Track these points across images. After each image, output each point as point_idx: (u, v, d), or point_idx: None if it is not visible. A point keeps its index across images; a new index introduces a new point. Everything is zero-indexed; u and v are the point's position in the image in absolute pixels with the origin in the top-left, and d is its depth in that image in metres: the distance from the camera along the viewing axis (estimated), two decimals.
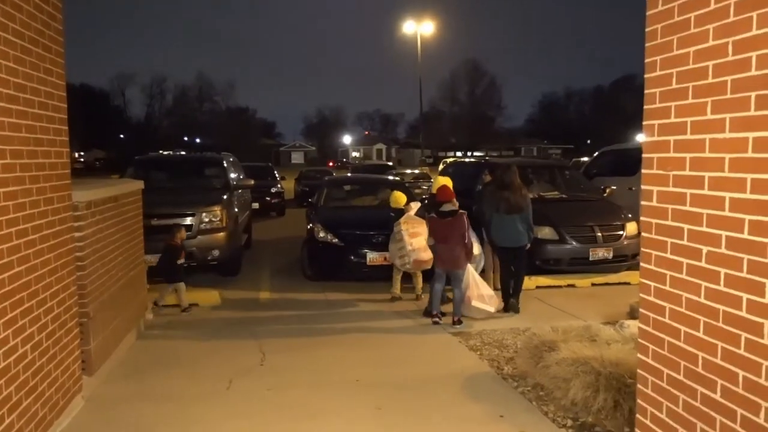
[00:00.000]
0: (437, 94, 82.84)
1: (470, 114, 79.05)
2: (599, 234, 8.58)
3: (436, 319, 6.57)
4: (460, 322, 6.45)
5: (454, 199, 6.67)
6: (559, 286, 8.48)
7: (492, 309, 6.72)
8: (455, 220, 6.46)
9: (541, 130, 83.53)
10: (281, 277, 9.35)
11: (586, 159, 22.14)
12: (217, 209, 8.89)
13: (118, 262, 5.46)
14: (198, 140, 70.79)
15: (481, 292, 6.66)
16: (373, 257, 8.39)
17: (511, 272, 7.10)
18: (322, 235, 8.70)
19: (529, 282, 8.07)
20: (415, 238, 7.10)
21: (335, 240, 8.60)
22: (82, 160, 62.22)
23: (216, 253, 8.75)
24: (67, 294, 4.22)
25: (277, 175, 20.61)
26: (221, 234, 8.83)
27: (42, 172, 3.83)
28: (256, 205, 17.75)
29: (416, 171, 27.71)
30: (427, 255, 7.01)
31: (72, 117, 4.58)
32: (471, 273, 6.66)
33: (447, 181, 7.08)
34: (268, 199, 18.54)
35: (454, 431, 4.12)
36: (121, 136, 72.36)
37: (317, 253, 8.74)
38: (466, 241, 6.46)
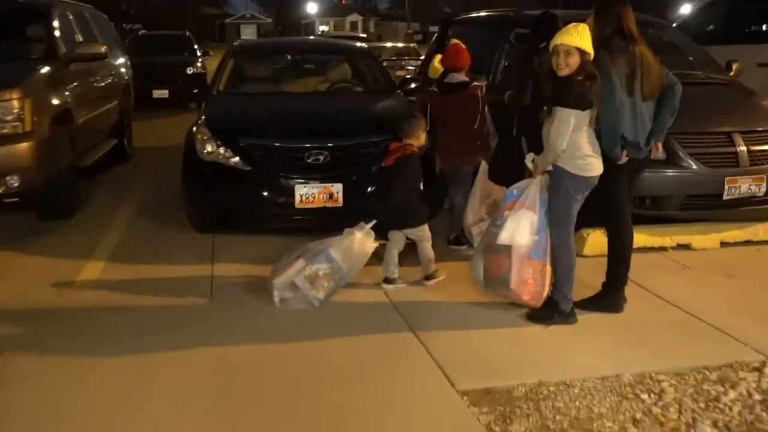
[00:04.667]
0: None
1: None
2: (742, 148, 5.18)
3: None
4: (460, 242, 5.27)
5: (467, 68, 5.29)
6: (663, 249, 5.20)
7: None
8: (465, 96, 5.11)
9: None
10: (148, 224, 5.97)
11: None
12: (13, 97, 5.42)
13: None
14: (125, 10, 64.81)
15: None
16: (306, 193, 5.06)
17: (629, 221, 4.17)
18: (208, 149, 5.24)
19: (600, 238, 4.78)
20: None
21: (235, 159, 5.16)
22: None
23: (14, 181, 5.45)
24: None
25: (198, 51, 16.62)
26: (24, 145, 5.55)
27: None
28: (164, 93, 14.36)
29: (399, 45, 23.10)
30: None
31: None
32: (482, 175, 5.18)
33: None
34: (181, 83, 14.75)
35: None
36: None
37: (203, 184, 5.32)
38: (476, 126, 5.15)
